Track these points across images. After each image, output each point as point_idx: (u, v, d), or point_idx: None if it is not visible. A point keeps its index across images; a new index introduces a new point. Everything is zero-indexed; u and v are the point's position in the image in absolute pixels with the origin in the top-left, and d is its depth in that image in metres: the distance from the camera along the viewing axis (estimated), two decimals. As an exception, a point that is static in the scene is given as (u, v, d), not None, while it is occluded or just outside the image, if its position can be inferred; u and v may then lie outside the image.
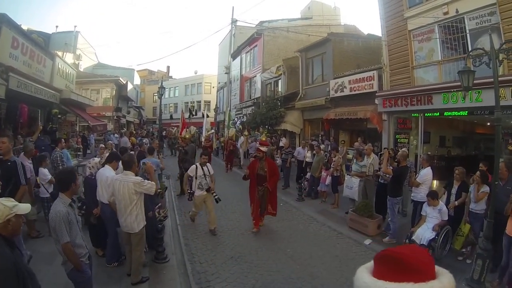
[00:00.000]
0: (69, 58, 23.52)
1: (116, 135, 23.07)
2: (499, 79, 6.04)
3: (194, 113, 36.71)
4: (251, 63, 30.77)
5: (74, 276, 3.90)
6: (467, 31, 10.70)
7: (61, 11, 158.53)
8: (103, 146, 10.63)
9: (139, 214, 5.17)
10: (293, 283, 5.82)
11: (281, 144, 17.26)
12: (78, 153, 15.79)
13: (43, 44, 16.26)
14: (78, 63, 27.92)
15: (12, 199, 3.04)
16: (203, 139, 18.72)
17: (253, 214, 8.52)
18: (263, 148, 9.01)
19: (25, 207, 3.02)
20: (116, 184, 5.11)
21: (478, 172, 6.77)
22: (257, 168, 8.47)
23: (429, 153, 12.30)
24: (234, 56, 32.64)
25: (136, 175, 5.40)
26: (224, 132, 22.59)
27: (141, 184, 5.08)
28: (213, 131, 22.24)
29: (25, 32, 12.71)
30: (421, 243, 6.39)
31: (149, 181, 5.34)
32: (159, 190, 6.80)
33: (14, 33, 11.13)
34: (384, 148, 11.45)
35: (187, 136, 12.89)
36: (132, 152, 8.34)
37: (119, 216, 5.19)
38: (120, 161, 5.86)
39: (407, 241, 6.74)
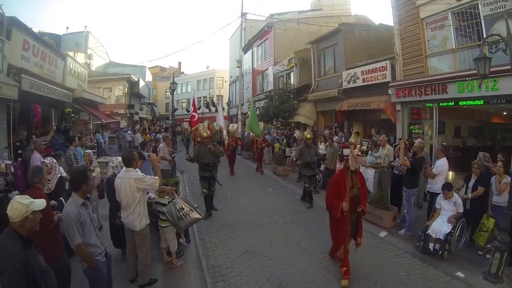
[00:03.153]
0: (80, 58, 23.83)
1: (129, 132, 23.30)
2: (515, 66, 5.87)
3: (209, 107, 36.55)
4: (262, 56, 30.75)
5: (89, 274, 3.93)
6: (482, 18, 10.40)
7: (71, 12, 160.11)
8: (87, 152, 8.67)
9: (142, 212, 5.01)
10: (308, 276, 5.80)
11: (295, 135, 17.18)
12: (93, 151, 15.97)
13: (54, 45, 16.48)
14: (90, 62, 28.27)
15: (27, 196, 3.10)
16: (225, 137, 16.78)
17: (343, 258, 5.58)
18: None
19: (40, 203, 3.08)
20: (118, 182, 4.98)
21: (499, 163, 6.61)
22: (349, 186, 5.53)
23: (444, 143, 12.12)
24: (245, 50, 32.57)
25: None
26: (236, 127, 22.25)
27: (142, 180, 4.90)
28: (236, 125, 21.23)
29: (35, 34, 12.88)
30: (437, 237, 6.29)
31: (152, 176, 5.18)
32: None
33: (25, 35, 11.30)
34: (399, 139, 11.27)
35: (204, 135, 9.50)
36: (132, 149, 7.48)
37: (122, 212, 5.08)
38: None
39: (422, 235, 6.64)
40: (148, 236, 5.24)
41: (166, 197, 6.06)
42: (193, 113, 18.21)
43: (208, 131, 10.07)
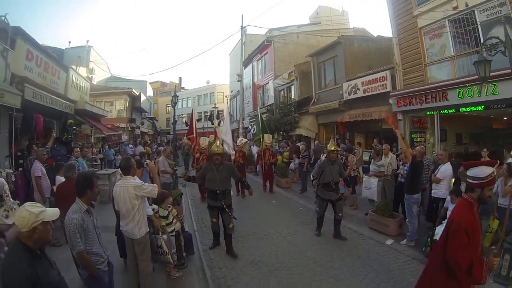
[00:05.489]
0: (82, 71, 24.01)
1: (130, 145, 23.32)
2: (515, 69, 5.90)
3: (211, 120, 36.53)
4: (262, 71, 30.96)
5: (90, 283, 3.79)
6: (479, 24, 10.54)
7: (74, 27, 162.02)
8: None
9: (141, 220, 4.88)
10: (316, 285, 5.70)
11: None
12: (94, 163, 16.00)
13: (56, 57, 16.65)
14: (92, 76, 28.44)
15: (39, 204, 2.81)
16: (232, 152, 14.75)
17: None
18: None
19: (53, 213, 2.78)
20: (117, 190, 4.89)
21: (505, 165, 6.60)
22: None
23: (445, 149, 12.13)
24: (245, 64, 32.82)
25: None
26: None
27: (141, 187, 4.80)
28: (246, 140, 20.30)
29: (39, 45, 12.97)
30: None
31: (150, 184, 5.09)
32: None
33: (29, 45, 11.43)
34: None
35: (217, 151, 7.34)
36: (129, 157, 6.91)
37: (121, 220, 4.97)
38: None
39: (429, 240, 6.51)
40: (148, 245, 5.09)
41: (166, 209, 6.02)
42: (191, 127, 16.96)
43: (222, 147, 8.32)
